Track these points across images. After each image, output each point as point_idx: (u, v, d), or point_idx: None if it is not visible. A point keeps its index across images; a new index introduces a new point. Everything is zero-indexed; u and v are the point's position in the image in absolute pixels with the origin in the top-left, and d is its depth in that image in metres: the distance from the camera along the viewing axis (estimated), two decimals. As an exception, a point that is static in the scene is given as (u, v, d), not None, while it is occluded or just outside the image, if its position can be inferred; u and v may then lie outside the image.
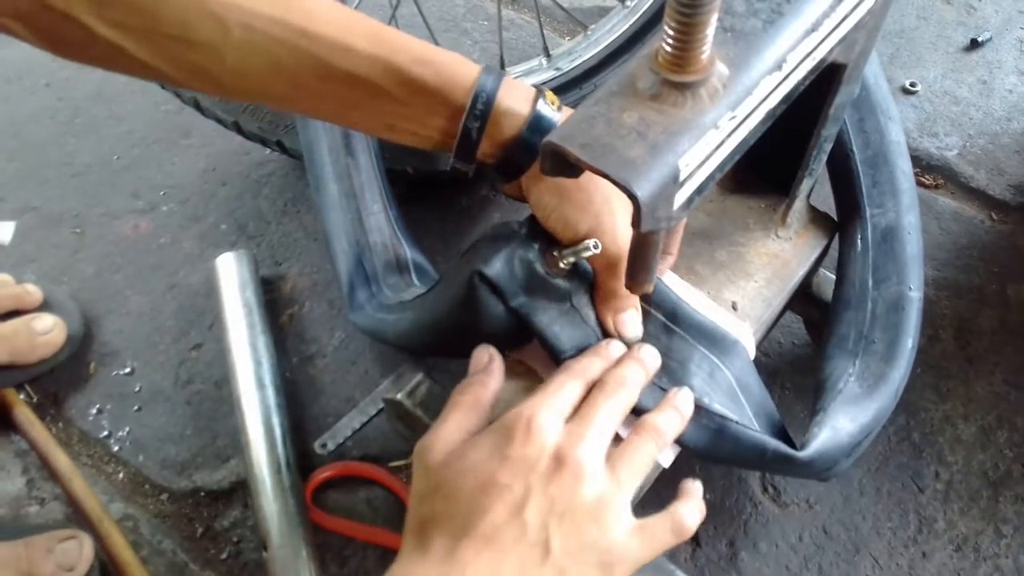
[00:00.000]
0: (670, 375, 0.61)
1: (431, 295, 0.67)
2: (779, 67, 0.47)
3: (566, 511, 0.48)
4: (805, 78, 0.51)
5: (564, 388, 0.53)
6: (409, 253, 0.83)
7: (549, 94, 0.57)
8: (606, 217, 0.56)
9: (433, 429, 0.53)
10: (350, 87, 0.53)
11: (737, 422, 0.61)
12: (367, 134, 0.83)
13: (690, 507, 0.54)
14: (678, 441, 0.59)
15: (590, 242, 0.56)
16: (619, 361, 0.57)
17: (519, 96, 0.56)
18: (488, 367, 0.57)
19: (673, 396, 0.58)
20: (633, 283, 0.52)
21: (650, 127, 0.43)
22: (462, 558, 0.46)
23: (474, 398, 0.55)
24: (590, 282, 0.61)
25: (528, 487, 0.48)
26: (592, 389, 0.55)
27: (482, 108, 0.54)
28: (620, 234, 0.57)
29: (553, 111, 0.56)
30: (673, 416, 0.57)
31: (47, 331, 0.93)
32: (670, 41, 0.42)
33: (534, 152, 0.56)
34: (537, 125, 0.55)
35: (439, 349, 0.68)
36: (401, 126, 0.56)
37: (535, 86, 0.58)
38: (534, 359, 0.62)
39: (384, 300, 0.77)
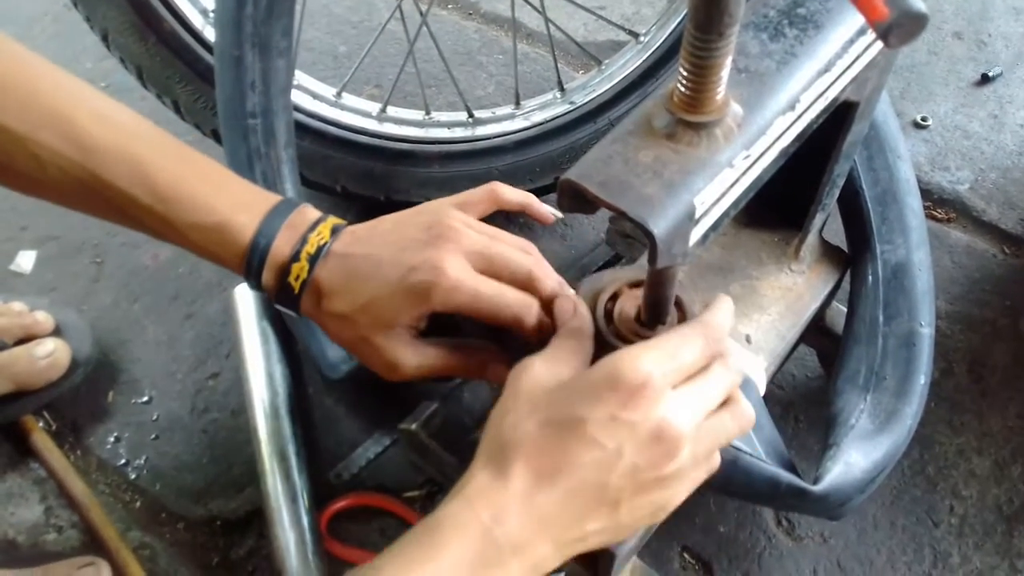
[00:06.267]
0: None
1: None
2: (792, 107, 0.48)
3: (644, 483, 0.48)
4: (818, 116, 0.52)
5: (688, 348, 0.50)
6: None
7: (322, 228, 0.58)
8: (370, 337, 0.57)
9: (541, 356, 0.52)
10: (151, 232, 0.59)
11: (751, 454, 0.61)
12: None
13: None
14: None
15: None
16: None
17: (291, 249, 0.58)
18: (577, 312, 0.55)
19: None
20: (651, 318, 0.53)
21: (666, 166, 0.44)
22: (543, 506, 0.47)
23: (578, 343, 0.53)
24: None
25: (620, 450, 0.47)
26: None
27: (255, 280, 0.58)
28: (389, 356, 0.57)
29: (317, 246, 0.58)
30: (749, 406, 0.55)
31: (47, 355, 0.92)
32: (685, 82, 0.43)
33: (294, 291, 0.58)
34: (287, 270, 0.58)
35: None
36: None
37: (316, 219, 0.59)
38: None
39: None
